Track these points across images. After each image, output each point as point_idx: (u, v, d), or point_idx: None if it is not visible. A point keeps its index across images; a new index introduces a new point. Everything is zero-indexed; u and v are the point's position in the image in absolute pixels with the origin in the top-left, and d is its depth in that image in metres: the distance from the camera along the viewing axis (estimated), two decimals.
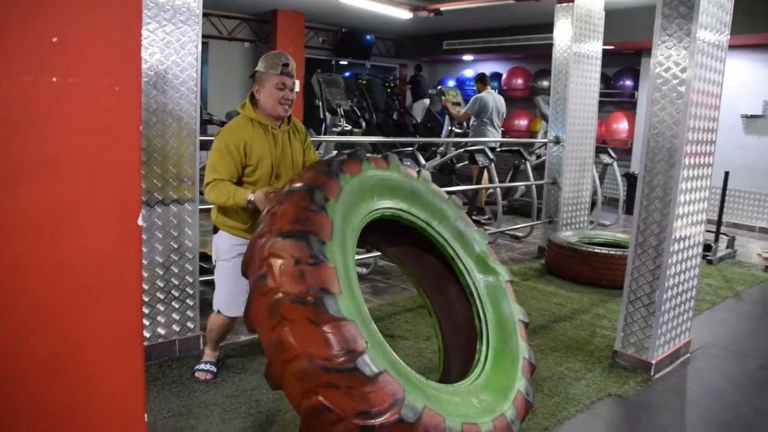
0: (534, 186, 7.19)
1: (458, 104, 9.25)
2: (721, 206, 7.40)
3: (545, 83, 11.08)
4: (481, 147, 6.87)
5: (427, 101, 11.57)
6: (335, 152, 5.74)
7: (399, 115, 12.38)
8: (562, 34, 6.44)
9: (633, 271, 3.85)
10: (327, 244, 2.16)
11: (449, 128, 9.20)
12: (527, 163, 7.56)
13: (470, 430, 2.15)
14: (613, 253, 5.43)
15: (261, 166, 3.07)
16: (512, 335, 2.79)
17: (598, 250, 5.50)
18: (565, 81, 6.45)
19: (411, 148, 6.00)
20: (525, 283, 5.55)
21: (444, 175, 7.59)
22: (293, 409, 3.02)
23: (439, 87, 10.16)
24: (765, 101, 9.16)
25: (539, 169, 7.96)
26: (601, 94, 10.36)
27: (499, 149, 7.97)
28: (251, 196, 2.91)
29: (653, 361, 3.79)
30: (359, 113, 7.99)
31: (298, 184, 2.36)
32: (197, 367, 3.43)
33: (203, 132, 5.37)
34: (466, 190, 7.42)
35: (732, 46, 9.24)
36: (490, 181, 7.24)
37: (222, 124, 9.00)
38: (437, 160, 7.65)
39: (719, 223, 7.37)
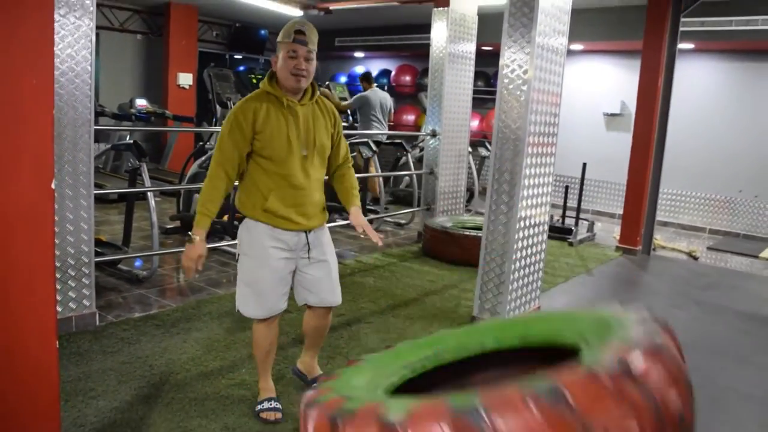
0: (414, 176, 7.79)
1: (344, 99, 9.76)
2: (579, 194, 8.29)
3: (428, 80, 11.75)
4: (365, 140, 7.38)
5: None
6: None
7: None
8: (439, 35, 7.04)
9: (486, 245, 4.46)
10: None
11: None
12: (408, 155, 8.15)
13: None
14: (480, 235, 6.06)
15: (275, 140, 2.78)
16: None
17: (468, 233, 6.13)
18: (441, 79, 7.06)
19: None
20: (402, 264, 6.11)
21: None
22: (185, 370, 3.41)
23: (327, 83, 10.62)
24: (622, 101, 10.20)
25: (422, 161, 8.56)
26: (482, 92, 11.24)
27: (386, 141, 8.51)
28: (194, 239, 2.75)
29: None
30: None
31: None
32: (258, 408, 3.04)
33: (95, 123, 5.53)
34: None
35: (595, 51, 10.32)
36: (374, 171, 7.78)
37: (114, 116, 9.09)
38: None
39: (578, 209, 8.25)
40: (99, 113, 7.25)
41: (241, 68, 12.55)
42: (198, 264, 2.75)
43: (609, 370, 1.62)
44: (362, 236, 2.97)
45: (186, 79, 10.95)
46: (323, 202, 3.01)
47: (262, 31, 12.82)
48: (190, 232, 2.76)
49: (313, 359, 3.34)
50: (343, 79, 13.28)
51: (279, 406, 3.05)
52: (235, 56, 13.45)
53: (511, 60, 4.31)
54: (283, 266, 2.90)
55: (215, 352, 3.71)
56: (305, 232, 2.93)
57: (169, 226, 6.48)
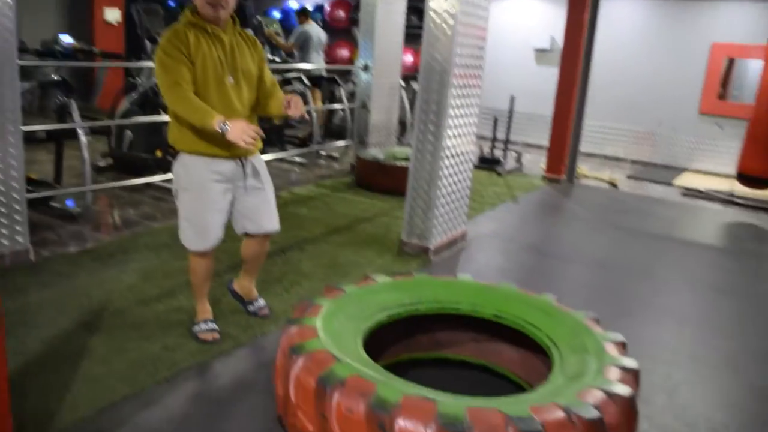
0: (347, 110, 7.87)
1: (279, 35, 9.66)
2: (508, 126, 8.54)
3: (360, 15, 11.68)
4: (298, 75, 7.40)
5: (250, 31, 11.78)
6: (154, 79, 6.01)
7: None
8: None
9: (414, 173, 4.65)
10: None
11: (269, 56, 9.60)
12: (341, 89, 8.21)
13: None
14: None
15: (206, 66, 2.84)
16: (578, 334, 2.56)
17: (398, 164, 6.32)
18: (372, 13, 7.09)
19: None
20: (335, 195, 6.28)
21: None
22: (123, 299, 3.53)
23: (260, 18, 10.44)
24: (552, 37, 10.41)
25: (354, 95, 8.62)
26: (417, 27, 11.18)
27: (316, 77, 8.53)
28: (227, 126, 2.71)
29: (432, 247, 4.66)
30: None
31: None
32: (195, 329, 3.17)
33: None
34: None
35: None
36: (308, 105, 7.82)
37: (37, 53, 8.76)
38: None
39: (507, 141, 8.53)
40: (21, 50, 6.96)
41: (172, 3, 12.16)
42: (252, 130, 2.77)
43: (586, 419, 1.89)
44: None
45: (113, 15, 10.57)
46: (258, 130, 3.06)
47: None
48: (226, 126, 2.72)
49: (251, 283, 3.50)
50: (276, 14, 13.05)
51: (216, 327, 3.20)
52: None
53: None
54: (221, 198, 3.00)
55: (153, 280, 3.83)
56: (241, 159, 3.01)
57: (101, 164, 6.43)
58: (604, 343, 2.42)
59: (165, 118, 6.08)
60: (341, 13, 12.53)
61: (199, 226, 2.99)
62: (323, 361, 2.13)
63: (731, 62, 9.61)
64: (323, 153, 8.20)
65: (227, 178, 3.00)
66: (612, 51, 9.52)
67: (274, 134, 7.87)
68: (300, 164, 7.70)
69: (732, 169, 7.83)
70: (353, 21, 12.21)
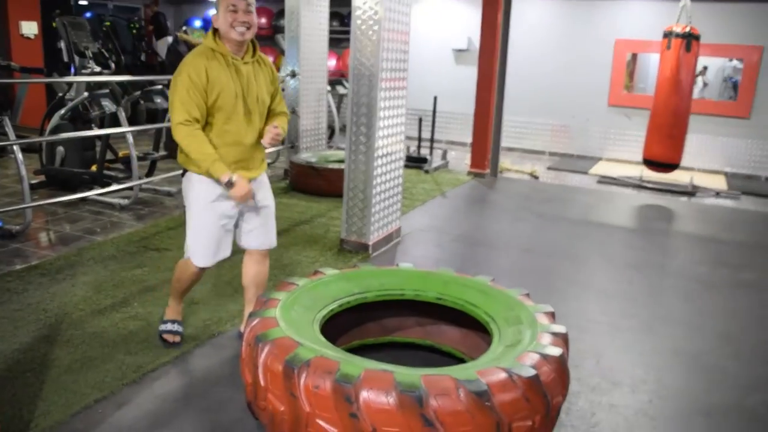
0: None
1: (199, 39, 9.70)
2: (432, 126, 8.91)
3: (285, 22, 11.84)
4: None
5: (170, 38, 11.73)
6: (86, 93, 6.04)
7: (148, 57, 12.35)
8: None
9: (350, 173, 4.90)
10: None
11: None
12: None
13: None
14: (343, 167, 6.51)
15: (222, 98, 2.86)
16: (511, 308, 2.84)
17: (332, 166, 6.55)
18: (297, 20, 7.29)
19: (161, 86, 6.46)
20: None
21: None
22: (79, 310, 3.63)
23: (184, 28, 10.45)
24: (469, 37, 10.84)
25: None
26: (338, 32, 11.48)
27: None
28: (234, 178, 2.83)
29: (370, 243, 4.92)
30: (108, 55, 8.15)
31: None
32: (161, 327, 3.29)
33: None
34: None
35: None
36: None
37: None
38: None
39: (432, 139, 8.89)
40: None
41: (88, 14, 11.97)
42: (251, 192, 2.95)
43: (525, 378, 2.19)
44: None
45: (30, 28, 10.33)
46: (263, 153, 3.17)
47: None
48: (230, 178, 2.84)
49: None
50: (197, 23, 13.02)
51: (181, 329, 3.32)
52: (80, 1, 12.75)
53: (363, 2, 4.67)
54: (229, 218, 3.07)
55: (105, 291, 3.93)
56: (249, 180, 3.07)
57: (33, 181, 6.38)
58: (536, 314, 2.73)
59: (97, 132, 6.12)
60: (263, 20, 12.62)
61: (205, 243, 3.05)
62: (287, 347, 2.35)
63: (634, 57, 10.30)
64: None
65: None
66: (526, 49, 10.04)
67: None
68: None
69: (640, 156, 8.44)
70: (275, 28, 12.35)
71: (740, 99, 9.46)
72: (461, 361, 3.13)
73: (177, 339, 3.28)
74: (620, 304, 4.23)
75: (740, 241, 6.00)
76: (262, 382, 2.35)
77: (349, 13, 11.80)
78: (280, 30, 11.81)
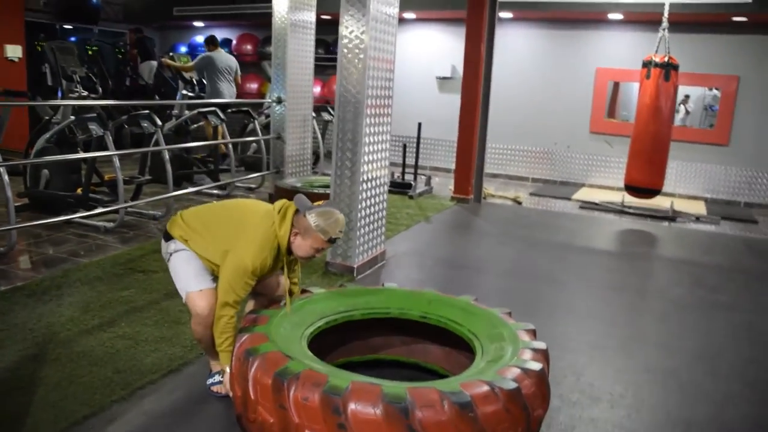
0: (262, 141, 8.15)
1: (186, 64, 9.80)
2: (417, 152, 9.04)
3: (271, 48, 12.02)
4: (213, 109, 7.62)
5: (154, 63, 11.84)
6: (72, 117, 6.10)
7: (132, 81, 12.45)
8: (280, 4, 7.37)
9: (335, 197, 4.98)
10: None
11: (182, 92, 9.75)
12: (255, 122, 8.48)
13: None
14: (328, 192, 6.59)
15: (262, 282, 3.06)
16: (493, 326, 2.94)
17: (317, 191, 6.63)
18: (284, 47, 7.42)
19: (147, 111, 6.53)
20: None
21: (180, 136, 8.18)
22: (66, 330, 3.65)
23: (171, 54, 10.57)
24: (453, 65, 11.05)
25: (268, 127, 8.90)
26: (323, 59, 11.66)
27: (230, 111, 8.74)
28: (227, 370, 2.87)
29: (355, 265, 4.98)
30: (95, 79, 8.24)
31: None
32: (210, 381, 3.14)
33: None
34: (205, 147, 8.14)
35: (426, 20, 11.05)
36: (222, 138, 8.04)
37: None
38: (173, 123, 8.21)
39: (416, 165, 9.01)
40: None
41: (73, 39, 12.05)
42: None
43: (506, 390, 2.27)
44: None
45: (15, 52, 10.39)
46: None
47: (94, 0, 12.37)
48: (226, 369, 2.89)
49: None
50: (183, 49, 13.16)
51: None
52: (66, 26, 12.84)
53: (350, 31, 4.80)
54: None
55: (92, 312, 3.96)
56: None
57: (17, 204, 6.38)
58: (517, 331, 2.81)
59: (83, 155, 6.16)
60: (248, 47, 12.79)
61: (199, 269, 3.02)
62: (277, 360, 2.41)
63: (616, 85, 10.54)
64: (240, 185, 8.40)
65: None
66: (509, 77, 10.24)
67: (208, 166, 8.06)
68: (218, 196, 7.86)
69: (622, 182, 8.60)
70: (261, 55, 12.51)
71: (719, 127, 9.70)
72: (445, 377, 3.19)
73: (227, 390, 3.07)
74: (600, 324, 4.32)
75: (718, 264, 6.13)
76: (252, 395, 2.41)
77: (334, 41, 12.06)
78: (266, 57, 11.98)
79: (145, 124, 6.31)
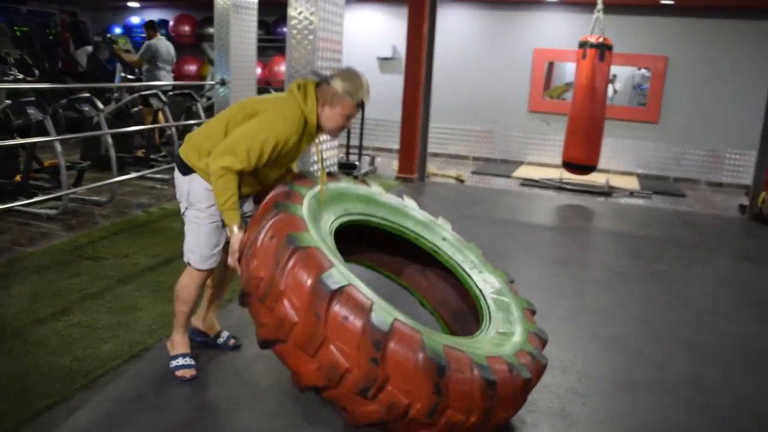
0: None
1: (129, 51, 9.55)
2: (360, 133, 9.09)
3: (211, 30, 11.75)
4: (154, 91, 7.46)
5: (90, 48, 11.47)
6: (8, 101, 5.87)
7: (64, 63, 12.02)
8: None
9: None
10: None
11: (121, 75, 9.49)
12: (198, 104, 8.35)
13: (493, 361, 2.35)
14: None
15: (280, 156, 2.80)
16: (505, 292, 2.99)
17: None
18: (227, 28, 7.30)
19: (88, 94, 6.36)
20: None
21: (120, 120, 7.98)
22: (18, 320, 3.58)
23: (108, 35, 10.25)
24: (394, 46, 11.10)
25: (210, 110, 8.78)
26: (264, 40, 11.51)
27: (171, 93, 8.58)
28: (235, 230, 2.68)
29: None
30: (30, 62, 7.93)
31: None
32: (173, 364, 3.05)
33: None
34: (142, 132, 7.97)
35: (368, 0, 11.02)
36: (165, 122, 7.90)
37: None
38: (112, 107, 8.01)
39: (360, 146, 9.06)
40: None
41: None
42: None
43: (522, 379, 2.33)
44: None
45: None
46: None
47: None
48: (234, 230, 2.69)
49: (215, 313, 3.39)
50: (118, 30, 12.77)
51: (193, 362, 3.08)
52: None
53: (299, 12, 4.80)
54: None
55: (43, 301, 3.88)
56: (247, 197, 3.04)
57: None
58: (524, 309, 2.87)
59: (20, 141, 5.97)
60: (186, 28, 12.52)
61: (208, 243, 2.94)
62: (321, 263, 2.23)
63: (551, 65, 10.81)
64: None
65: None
66: (449, 58, 10.36)
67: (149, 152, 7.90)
68: (163, 180, 7.74)
69: (560, 159, 8.88)
70: (199, 36, 12.26)
71: (649, 105, 10.09)
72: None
73: (193, 372, 3.05)
74: (548, 296, 4.50)
75: (653, 236, 6.44)
76: (281, 286, 2.24)
77: (275, 22, 11.93)
78: (206, 38, 11.76)
79: (85, 108, 6.15)
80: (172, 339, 3.13)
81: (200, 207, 2.90)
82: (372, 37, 11.25)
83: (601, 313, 4.25)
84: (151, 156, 7.97)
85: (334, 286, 2.16)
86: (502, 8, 10.50)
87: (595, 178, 8.88)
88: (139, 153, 8.15)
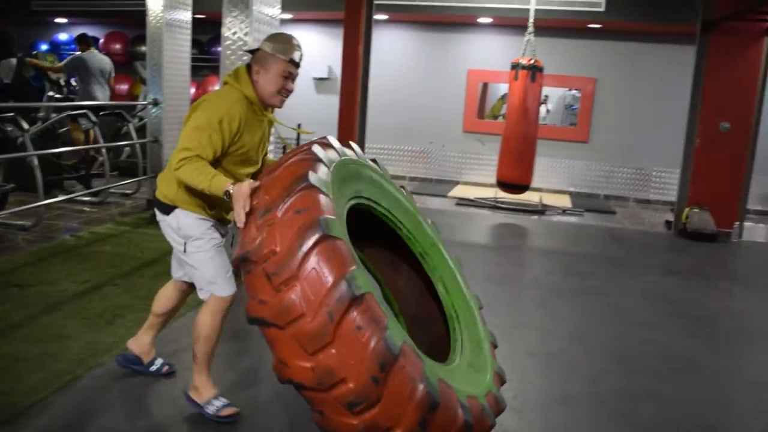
0: (138, 145, 7.86)
1: (55, 69, 9.24)
2: None
3: (143, 48, 11.53)
4: (84, 111, 7.26)
5: (14, 60, 11.06)
6: None
7: None
8: (154, 2, 7.12)
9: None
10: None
11: (49, 94, 9.19)
12: (130, 125, 8.16)
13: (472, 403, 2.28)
14: None
15: (244, 150, 2.75)
16: (473, 320, 2.87)
17: None
18: (159, 47, 7.18)
19: (11, 114, 6.14)
20: (137, 230, 6.30)
21: (47, 140, 7.72)
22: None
23: (35, 52, 9.92)
24: (329, 66, 11.16)
25: (142, 130, 8.57)
26: (198, 59, 11.38)
27: (102, 113, 8.34)
28: (231, 188, 2.36)
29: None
30: None
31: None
32: (209, 411, 2.86)
33: None
34: (78, 152, 7.74)
35: (303, 20, 11.07)
36: (95, 143, 7.68)
37: None
38: (39, 126, 7.74)
39: None
40: None
41: None
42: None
43: (488, 423, 2.29)
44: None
45: None
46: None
47: None
48: (229, 190, 2.38)
49: (154, 339, 3.27)
50: (44, 47, 12.40)
51: (228, 402, 2.92)
52: None
53: (233, 32, 4.78)
54: (219, 240, 2.88)
55: None
56: (224, 222, 2.94)
57: None
58: (489, 342, 2.79)
59: None
60: (117, 46, 12.26)
61: (225, 265, 2.81)
62: (345, 260, 2.05)
63: (485, 86, 11.06)
64: (114, 191, 8.04)
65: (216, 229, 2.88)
66: (385, 78, 10.48)
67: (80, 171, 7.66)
68: (91, 203, 7.51)
69: (494, 178, 9.06)
70: (131, 54, 12.03)
71: (579, 125, 10.43)
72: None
73: (236, 409, 2.89)
74: (483, 314, 4.55)
75: (585, 252, 6.62)
76: (297, 270, 2.03)
77: (209, 40, 11.81)
78: (138, 56, 11.53)
79: (9, 128, 5.92)
80: (195, 386, 2.90)
81: (196, 235, 2.79)
82: (307, 57, 11.00)
83: (535, 329, 4.34)
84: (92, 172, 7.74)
85: (357, 292, 1.99)
86: (437, 29, 10.72)
87: (529, 197, 9.09)
88: (81, 172, 7.92)
